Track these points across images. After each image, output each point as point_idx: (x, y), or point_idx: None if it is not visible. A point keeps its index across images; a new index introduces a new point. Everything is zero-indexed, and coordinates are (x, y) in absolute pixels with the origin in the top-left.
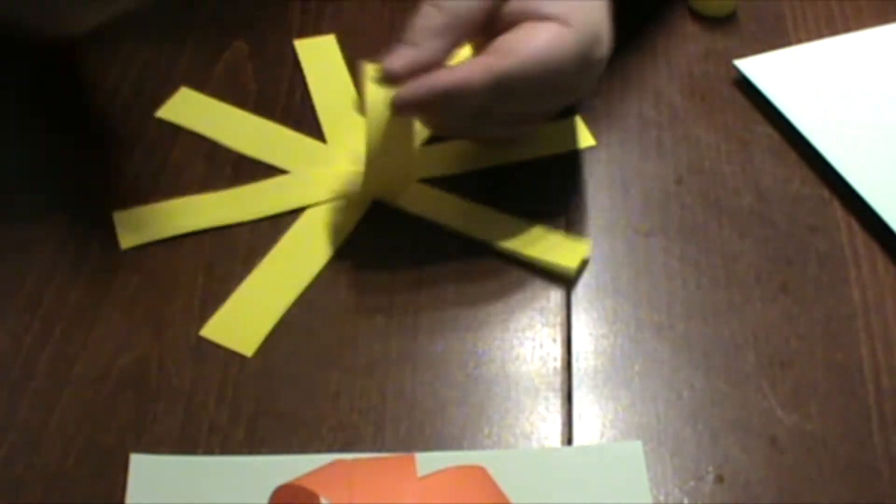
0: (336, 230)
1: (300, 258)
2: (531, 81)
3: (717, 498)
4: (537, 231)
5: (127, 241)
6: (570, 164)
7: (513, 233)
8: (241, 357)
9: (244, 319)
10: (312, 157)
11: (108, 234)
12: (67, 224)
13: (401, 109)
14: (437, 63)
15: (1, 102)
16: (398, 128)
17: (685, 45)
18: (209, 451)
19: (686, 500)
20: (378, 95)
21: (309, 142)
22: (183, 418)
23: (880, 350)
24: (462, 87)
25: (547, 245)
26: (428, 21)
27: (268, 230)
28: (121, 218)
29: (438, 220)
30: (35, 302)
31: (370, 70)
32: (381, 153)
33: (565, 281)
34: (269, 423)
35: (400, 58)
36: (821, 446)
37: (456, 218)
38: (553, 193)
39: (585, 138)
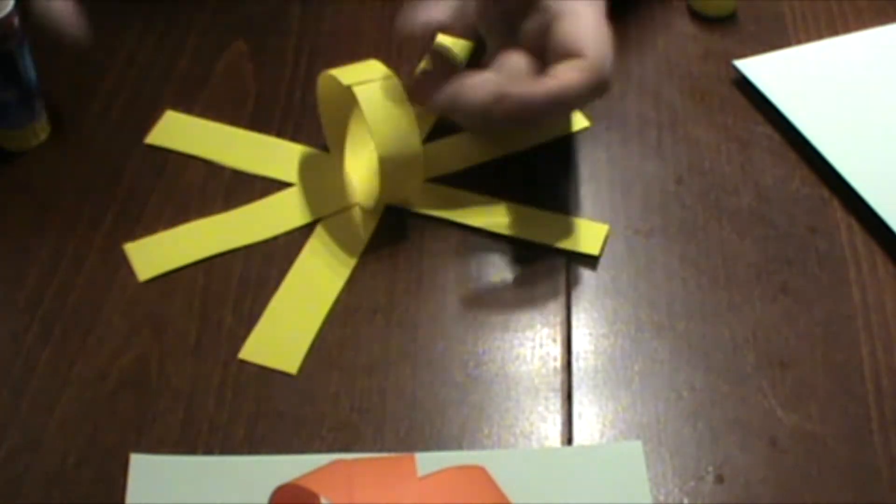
0: (355, 239)
1: (324, 270)
2: (608, 59)
3: (717, 498)
4: (554, 219)
5: (144, 273)
6: (569, 163)
7: (532, 223)
8: (241, 357)
9: (281, 338)
10: (314, 167)
11: (108, 234)
12: (67, 225)
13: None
14: (446, 23)
15: None
16: (406, 132)
17: (685, 45)
18: (209, 451)
19: (686, 500)
20: (377, 106)
21: (308, 151)
22: (183, 418)
23: (880, 350)
24: (569, 92)
25: (567, 232)
26: None
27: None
28: (134, 250)
29: (455, 217)
30: (35, 302)
31: (360, 89)
32: (393, 161)
33: (578, 267)
34: (269, 423)
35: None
36: (821, 446)
37: (472, 214)
38: (553, 194)
39: (579, 121)
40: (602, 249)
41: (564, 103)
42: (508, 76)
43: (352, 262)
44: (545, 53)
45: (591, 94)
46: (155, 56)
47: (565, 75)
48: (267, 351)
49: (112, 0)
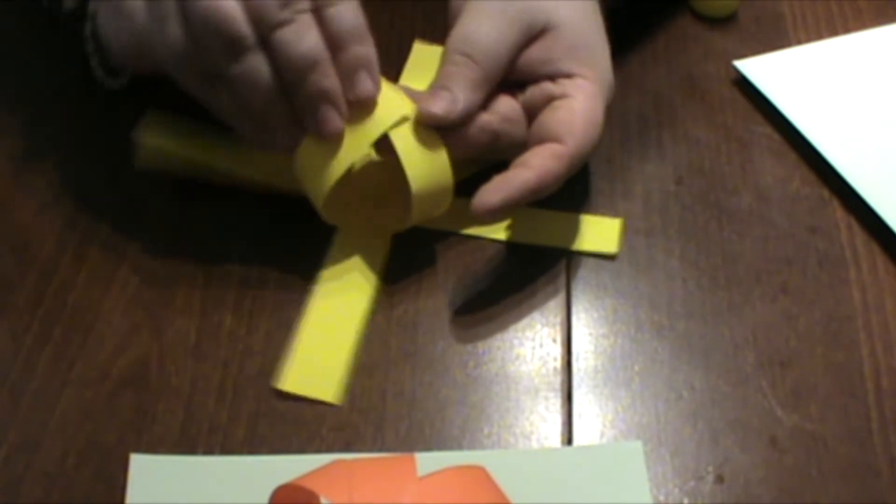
0: (373, 259)
1: (348, 292)
2: (591, 147)
3: (717, 498)
4: (564, 219)
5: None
6: None
7: (540, 226)
8: (241, 357)
9: (317, 366)
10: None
11: (108, 234)
12: (67, 223)
13: (485, 215)
14: (471, 115)
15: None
16: (435, 156)
17: (685, 45)
18: (209, 451)
19: (686, 500)
20: (412, 147)
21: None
22: (183, 418)
23: (880, 350)
24: (546, 182)
25: (580, 233)
26: (465, 71)
27: (266, 224)
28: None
29: (468, 231)
30: (35, 302)
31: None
32: (425, 186)
33: (578, 267)
34: (269, 423)
35: (441, 100)
36: (821, 446)
37: (492, 226)
38: (553, 195)
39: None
40: (621, 244)
41: (541, 191)
42: (505, 119)
43: (374, 280)
44: (532, 119)
45: (565, 178)
46: None
47: (542, 165)
48: (306, 382)
49: None
